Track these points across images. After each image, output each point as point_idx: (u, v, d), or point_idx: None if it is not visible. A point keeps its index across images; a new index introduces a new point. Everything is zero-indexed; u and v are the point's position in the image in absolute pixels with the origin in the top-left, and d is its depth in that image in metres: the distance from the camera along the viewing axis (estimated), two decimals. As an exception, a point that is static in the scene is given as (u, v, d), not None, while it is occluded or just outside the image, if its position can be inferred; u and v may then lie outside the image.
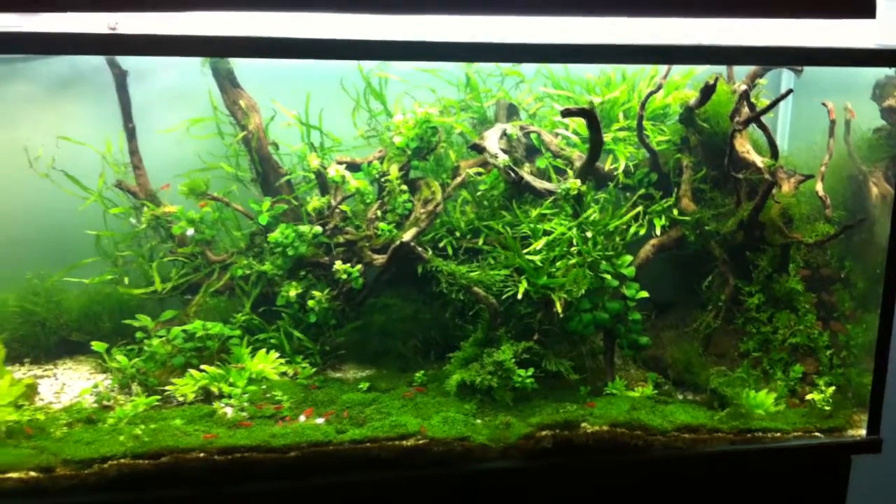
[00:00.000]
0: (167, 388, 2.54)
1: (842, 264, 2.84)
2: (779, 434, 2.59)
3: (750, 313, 2.82)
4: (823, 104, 2.81)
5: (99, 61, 2.69)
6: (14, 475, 2.19)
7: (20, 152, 2.68)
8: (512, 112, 2.86)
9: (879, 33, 2.55)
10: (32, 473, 2.21)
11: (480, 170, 2.78)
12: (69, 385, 2.62)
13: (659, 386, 2.73)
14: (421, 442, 2.39)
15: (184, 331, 2.60)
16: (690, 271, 2.90)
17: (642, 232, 2.77)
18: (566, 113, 2.52)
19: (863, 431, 2.65)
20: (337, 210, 2.72)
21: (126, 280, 2.77)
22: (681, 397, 2.72)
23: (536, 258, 2.60)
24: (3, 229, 2.78)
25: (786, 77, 3.03)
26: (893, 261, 2.53)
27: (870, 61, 2.51)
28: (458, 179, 2.77)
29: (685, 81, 2.86)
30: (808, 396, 2.69)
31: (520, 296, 2.56)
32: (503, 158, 2.57)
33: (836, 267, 2.85)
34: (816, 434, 2.62)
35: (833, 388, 2.67)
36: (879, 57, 2.49)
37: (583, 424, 2.47)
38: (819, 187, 2.78)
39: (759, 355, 2.79)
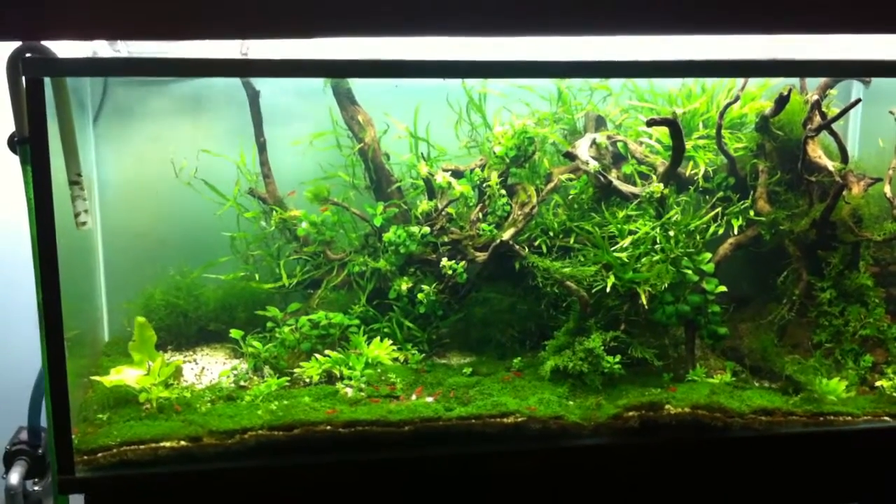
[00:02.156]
0: (295, 370, 2.87)
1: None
2: (849, 418, 2.79)
3: (822, 307, 3.03)
4: (891, 112, 3.03)
5: (234, 82, 3.03)
6: (167, 444, 2.51)
7: (166, 164, 3.03)
8: (600, 123, 3.13)
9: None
10: (182, 442, 2.52)
11: (571, 175, 3.05)
12: (208, 369, 2.96)
13: (736, 374, 2.94)
14: (520, 419, 2.66)
15: (310, 320, 2.93)
16: (766, 268, 3.12)
17: (721, 231, 3.01)
18: (651, 122, 2.79)
19: (930, 416, 2.86)
20: (443, 212, 3.02)
21: (257, 276, 3.10)
22: (757, 384, 2.94)
23: (623, 255, 2.86)
24: (152, 232, 3.14)
25: (856, 87, 3.25)
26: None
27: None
28: (552, 184, 3.05)
29: (760, 93, 3.09)
30: (878, 383, 2.90)
31: (608, 289, 2.83)
32: (594, 165, 2.85)
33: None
34: (885, 418, 2.81)
35: (902, 375, 2.90)
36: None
37: (666, 406, 2.71)
38: (887, 189, 2.99)
39: (832, 346, 3.00)
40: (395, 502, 2.66)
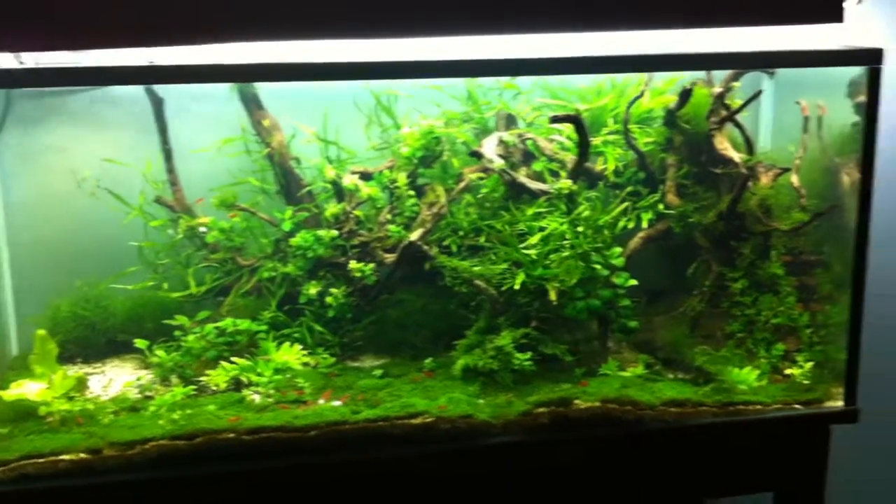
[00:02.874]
0: (202, 379, 2.84)
1: (821, 250, 3.04)
2: (760, 406, 2.80)
3: (735, 297, 3.04)
4: (797, 102, 3.04)
5: (138, 91, 3.00)
6: (66, 457, 2.47)
7: (71, 175, 3.00)
8: (510, 121, 3.13)
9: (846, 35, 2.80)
10: (83, 455, 2.49)
11: (482, 175, 3.03)
12: (115, 380, 2.91)
13: (650, 366, 2.94)
14: (428, 420, 2.64)
15: (216, 327, 2.90)
16: (681, 261, 3.13)
17: (631, 225, 3.01)
18: (554, 119, 2.79)
19: (841, 403, 2.86)
20: (351, 215, 3.00)
21: (166, 285, 3.07)
22: (672, 376, 2.94)
23: (532, 252, 2.86)
24: (61, 244, 3.10)
25: (767, 79, 3.26)
26: (861, 242, 2.76)
27: (833, 61, 2.75)
28: (462, 184, 3.04)
29: (668, 87, 3.09)
30: (787, 371, 2.91)
31: (516, 286, 2.82)
32: (499, 163, 2.84)
33: (816, 252, 3.06)
34: (796, 406, 2.82)
35: (811, 363, 2.89)
36: (842, 57, 2.72)
37: (576, 401, 2.70)
38: (794, 179, 3.01)
39: (744, 335, 3.02)
40: (303, 508, 2.64)
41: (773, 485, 2.95)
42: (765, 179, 3.03)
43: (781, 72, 3.21)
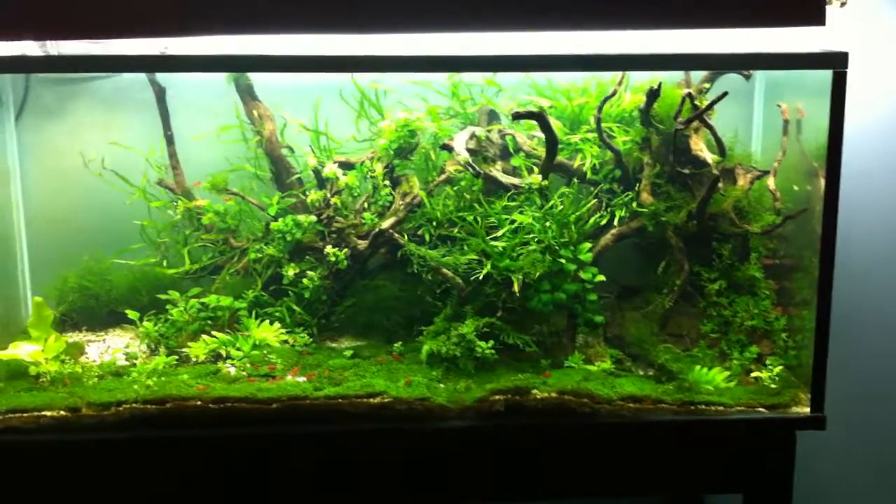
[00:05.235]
0: (184, 349, 3.04)
1: (801, 254, 3.03)
2: (721, 408, 2.82)
3: (711, 298, 3.07)
4: (778, 105, 3.04)
5: (142, 80, 3.21)
6: (48, 413, 2.71)
7: (86, 156, 3.24)
8: (493, 117, 3.22)
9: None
10: (62, 412, 2.72)
11: (460, 167, 3.13)
12: (113, 348, 3.14)
13: (619, 362, 3.01)
14: (386, 400, 2.77)
15: (200, 302, 3.10)
16: (658, 259, 3.17)
17: (603, 222, 3.07)
18: (516, 116, 2.87)
19: (807, 409, 2.86)
20: (329, 202, 3.15)
21: (165, 262, 3.28)
22: (641, 373, 2.99)
23: (500, 244, 2.95)
24: (70, 220, 3.35)
25: (758, 80, 3.26)
26: (827, 247, 2.75)
27: (799, 64, 2.76)
28: (443, 176, 3.15)
29: (645, 87, 3.11)
30: (754, 374, 2.92)
31: (481, 277, 2.92)
32: (464, 156, 2.94)
33: (797, 256, 3.05)
34: (760, 409, 2.83)
35: (780, 367, 2.90)
36: (808, 60, 2.72)
37: (533, 391, 2.80)
38: (770, 182, 3.01)
39: (718, 336, 3.04)
40: (260, 474, 2.79)
41: (739, 486, 2.96)
42: (742, 181, 3.04)
43: (773, 73, 3.21)
